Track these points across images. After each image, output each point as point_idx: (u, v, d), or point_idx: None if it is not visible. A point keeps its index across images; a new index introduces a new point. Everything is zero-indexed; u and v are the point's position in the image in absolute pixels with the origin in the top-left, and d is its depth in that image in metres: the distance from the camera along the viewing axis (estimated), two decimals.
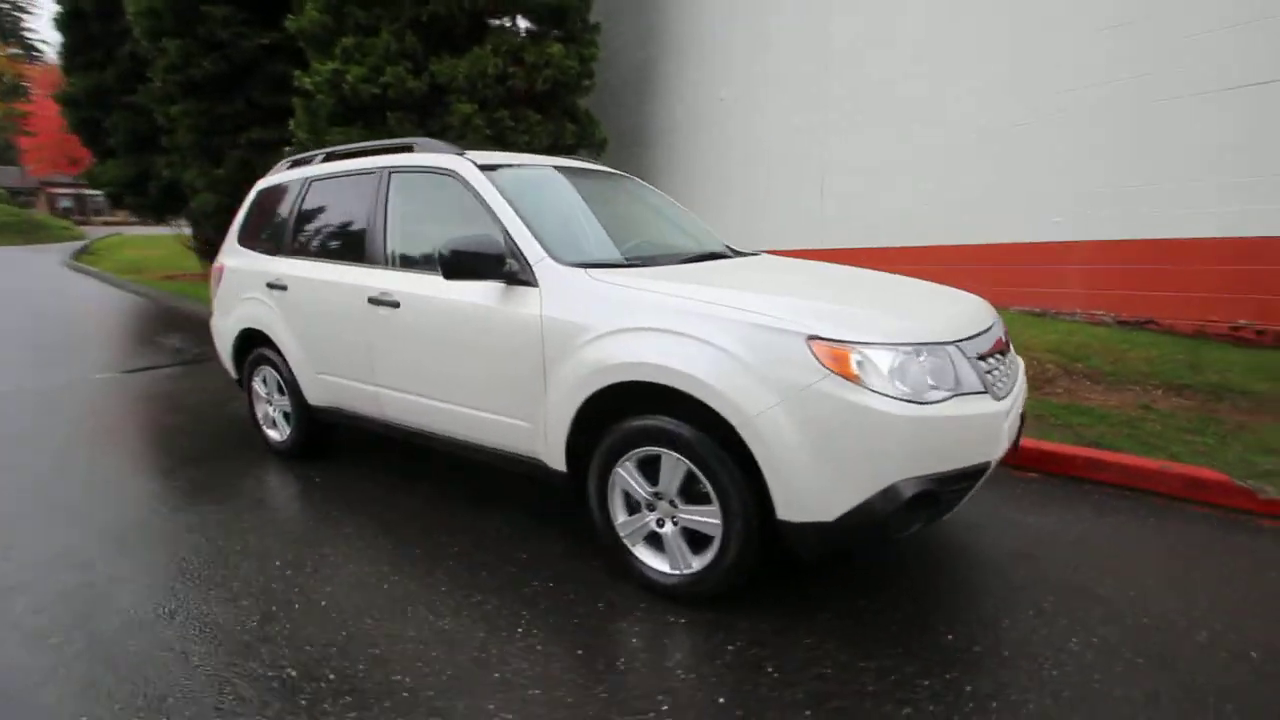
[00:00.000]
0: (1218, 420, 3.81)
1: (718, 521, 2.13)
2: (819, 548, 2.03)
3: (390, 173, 3.17)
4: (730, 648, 2.06)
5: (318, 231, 3.52)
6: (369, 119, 7.97)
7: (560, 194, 3.06)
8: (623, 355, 2.21)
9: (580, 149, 9.41)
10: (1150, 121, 5.30)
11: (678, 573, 2.27)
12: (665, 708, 1.81)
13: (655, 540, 2.34)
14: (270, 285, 3.60)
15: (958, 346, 2.08)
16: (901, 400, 1.91)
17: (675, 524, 2.26)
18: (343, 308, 3.18)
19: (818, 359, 1.94)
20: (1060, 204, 5.95)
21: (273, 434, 3.89)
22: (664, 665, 1.99)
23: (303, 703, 1.85)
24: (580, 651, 2.07)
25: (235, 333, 3.88)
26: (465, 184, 2.83)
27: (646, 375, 2.14)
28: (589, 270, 2.47)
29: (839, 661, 1.98)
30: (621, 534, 2.39)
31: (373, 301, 3.02)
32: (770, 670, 1.95)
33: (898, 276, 2.76)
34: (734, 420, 2.00)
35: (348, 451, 3.91)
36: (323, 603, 2.35)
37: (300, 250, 3.56)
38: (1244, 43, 4.81)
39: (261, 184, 4.02)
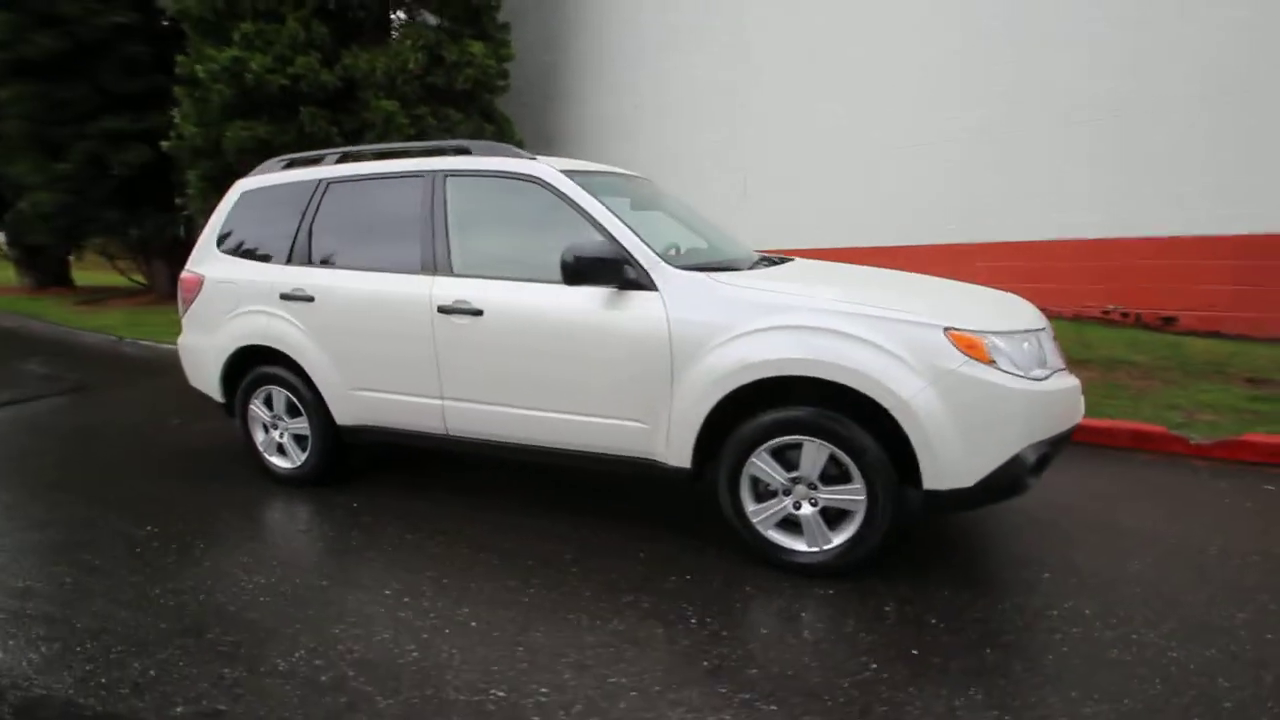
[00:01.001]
0: (1121, 386, 4.71)
1: (862, 498, 2.36)
2: (955, 511, 2.34)
3: (445, 176, 3.04)
4: (887, 609, 2.30)
5: (348, 238, 3.26)
6: (275, 113, 7.26)
7: (627, 199, 3.12)
8: (771, 352, 2.36)
9: None
10: (1028, 145, 6.34)
11: (817, 549, 2.47)
12: (874, 666, 2.01)
13: (787, 523, 2.52)
14: (286, 297, 3.27)
15: (1044, 333, 2.49)
16: (1023, 378, 2.27)
17: (814, 505, 2.46)
18: (399, 318, 3.00)
19: (956, 347, 2.24)
20: (955, 212, 6.91)
21: (278, 461, 3.52)
22: (844, 631, 2.19)
23: (535, 718, 1.82)
24: (764, 631, 2.21)
25: (230, 351, 3.46)
26: (554, 190, 2.81)
27: (802, 370, 2.32)
28: (708, 274, 2.60)
29: (983, 606, 2.29)
30: (754, 520, 2.54)
31: (444, 311, 2.89)
32: (934, 622, 2.22)
33: (947, 280, 3.15)
34: (888, 404, 2.24)
35: (361, 474, 3.65)
36: (472, 623, 2.26)
37: (324, 258, 3.28)
38: (1098, 84, 5.93)
39: (246, 185, 3.62)
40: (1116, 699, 1.84)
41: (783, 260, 3.28)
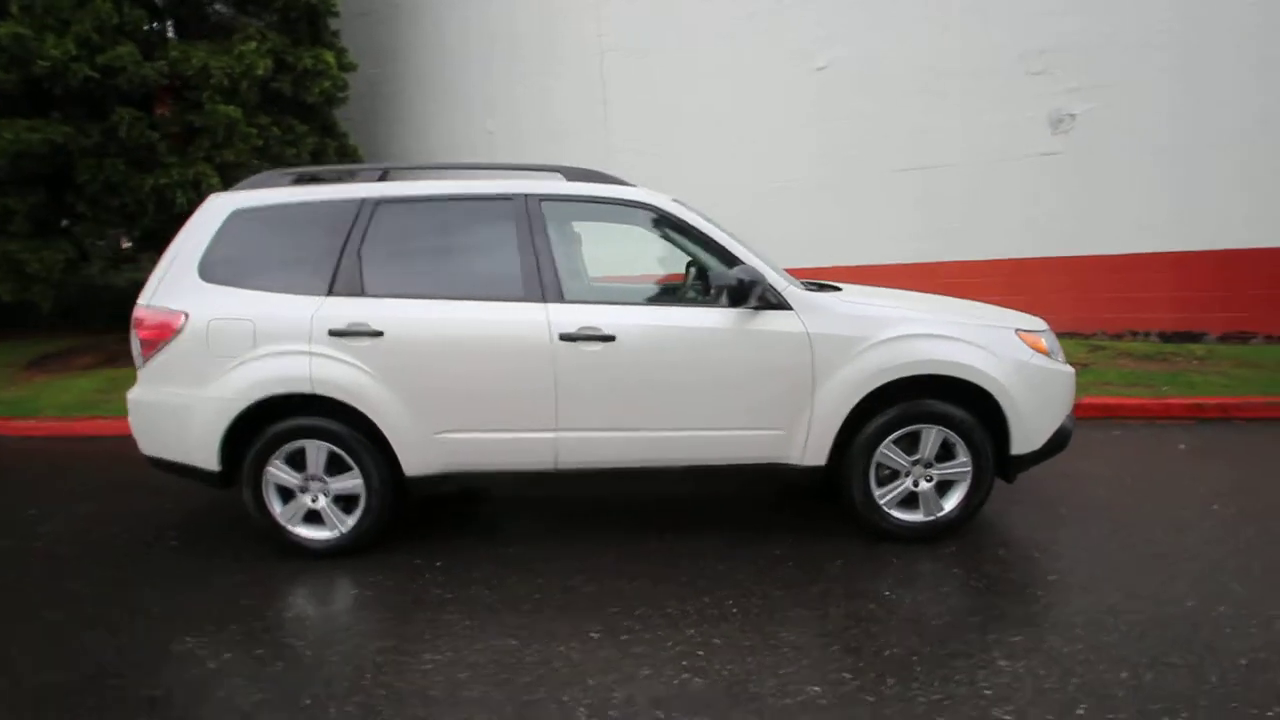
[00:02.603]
0: None
1: (968, 469, 2.91)
2: (1025, 469, 3.01)
3: (540, 200, 2.93)
4: (1001, 553, 2.88)
5: (416, 264, 2.93)
6: (73, 110, 5.68)
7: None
8: (902, 357, 2.80)
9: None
10: (870, 190, 7.80)
11: (932, 518, 2.96)
12: (1039, 594, 2.55)
13: (907, 500, 2.98)
14: (339, 333, 2.80)
15: (1051, 333, 3.34)
16: (1063, 365, 3.05)
17: (930, 481, 2.95)
18: (509, 350, 2.81)
19: (1024, 343, 2.94)
20: (806, 241, 8.19)
21: (309, 532, 2.96)
22: (998, 576, 2.69)
23: (869, 699, 1.98)
24: (944, 589, 2.63)
25: (245, 404, 2.81)
26: (671, 219, 2.93)
27: (929, 368, 2.80)
28: (827, 293, 2.97)
29: (1056, 538, 3.00)
30: (881, 502, 2.94)
31: (568, 338, 2.79)
32: (1036, 555, 2.86)
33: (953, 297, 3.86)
34: (993, 389, 2.83)
35: (396, 533, 3.24)
36: (715, 641, 2.29)
37: (386, 287, 2.88)
38: (921, 140, 7.57)
39: (237, 203, 2.99)
40: (1191, 572, 2.62)
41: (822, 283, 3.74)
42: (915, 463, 2.93)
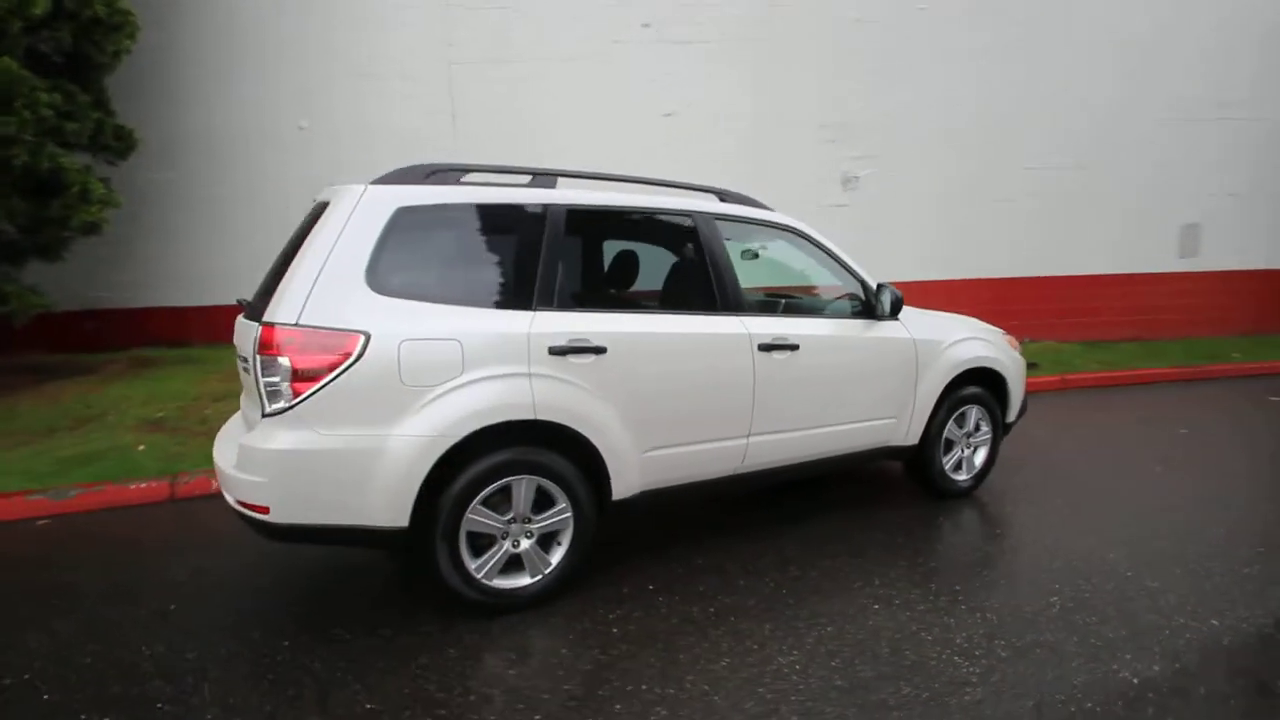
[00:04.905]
0: None
1: (989, 435, 3.94)
2: (1007, 433, 4.17)
3: (713, 219, 3.07)
4: (1003, 506, 3.96)
5: (607, 276, 2.78)
6: None
7: None
8: (965, 354, 3.70)
9: (106, 152, 6.47)
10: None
11: (971, 476, 3.91)
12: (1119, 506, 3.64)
13: (958, 465, 3.87)
14: (559, 351, 2.54)
15: None
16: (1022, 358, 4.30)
17: (971, 449, 3.89)
18: (723, 362, 2.91)
19: (1008, 341, 4.10)
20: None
21: (508, 583, 2.59)
22: (1040, 513, 3.74)
23: (1108, 599, 2.72)
24: (1048, 521, 3.53)
25: (451, 442, 2.35)
26: (812, 241, 3.36)
27: (979, 363, 3.74)
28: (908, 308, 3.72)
29: (1054, 484, 4.20)
30: (947, 468, 3.79)
31: (765, 348, 2.99)
32: (1035, 502, 4.01)
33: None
34: (1007, 376, 3.90)
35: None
36: (955, 588, 2.80)
37: (587, 300, 2.70)
38: (758, 185, 8.91)
39: (400, 199, 2.46)
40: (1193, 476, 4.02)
41: None
42: (965, 435, 3.85)
